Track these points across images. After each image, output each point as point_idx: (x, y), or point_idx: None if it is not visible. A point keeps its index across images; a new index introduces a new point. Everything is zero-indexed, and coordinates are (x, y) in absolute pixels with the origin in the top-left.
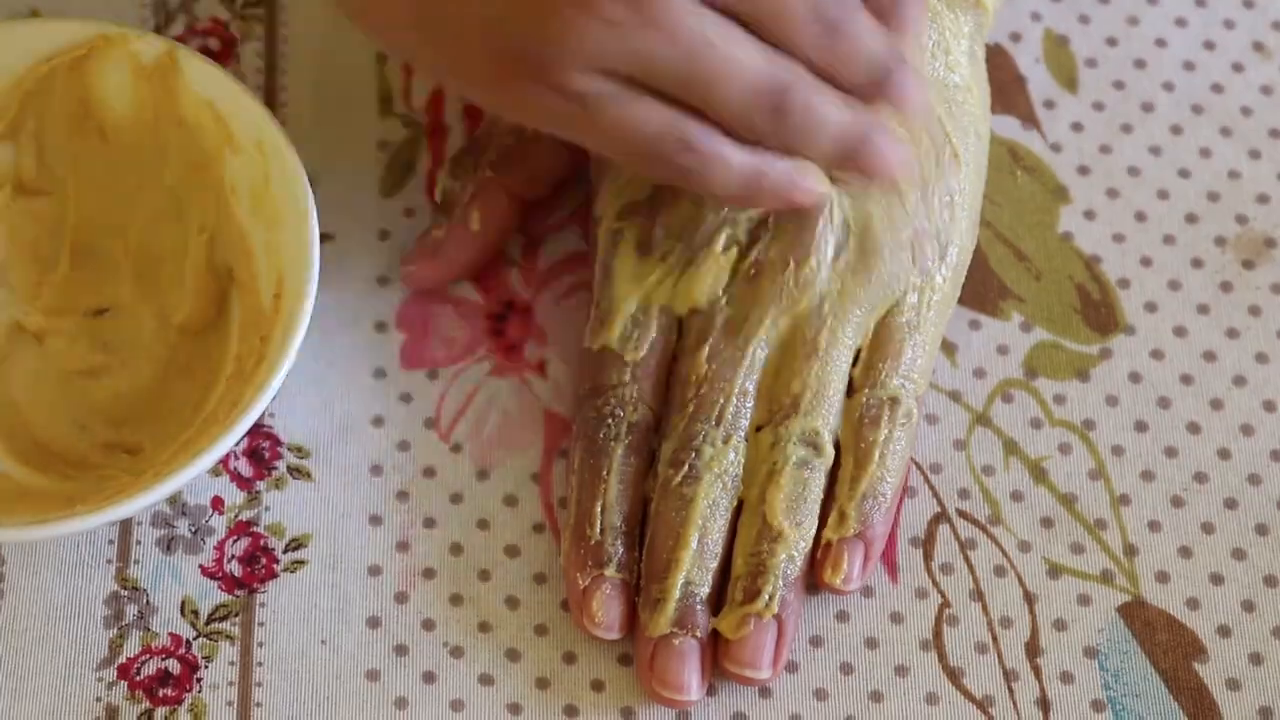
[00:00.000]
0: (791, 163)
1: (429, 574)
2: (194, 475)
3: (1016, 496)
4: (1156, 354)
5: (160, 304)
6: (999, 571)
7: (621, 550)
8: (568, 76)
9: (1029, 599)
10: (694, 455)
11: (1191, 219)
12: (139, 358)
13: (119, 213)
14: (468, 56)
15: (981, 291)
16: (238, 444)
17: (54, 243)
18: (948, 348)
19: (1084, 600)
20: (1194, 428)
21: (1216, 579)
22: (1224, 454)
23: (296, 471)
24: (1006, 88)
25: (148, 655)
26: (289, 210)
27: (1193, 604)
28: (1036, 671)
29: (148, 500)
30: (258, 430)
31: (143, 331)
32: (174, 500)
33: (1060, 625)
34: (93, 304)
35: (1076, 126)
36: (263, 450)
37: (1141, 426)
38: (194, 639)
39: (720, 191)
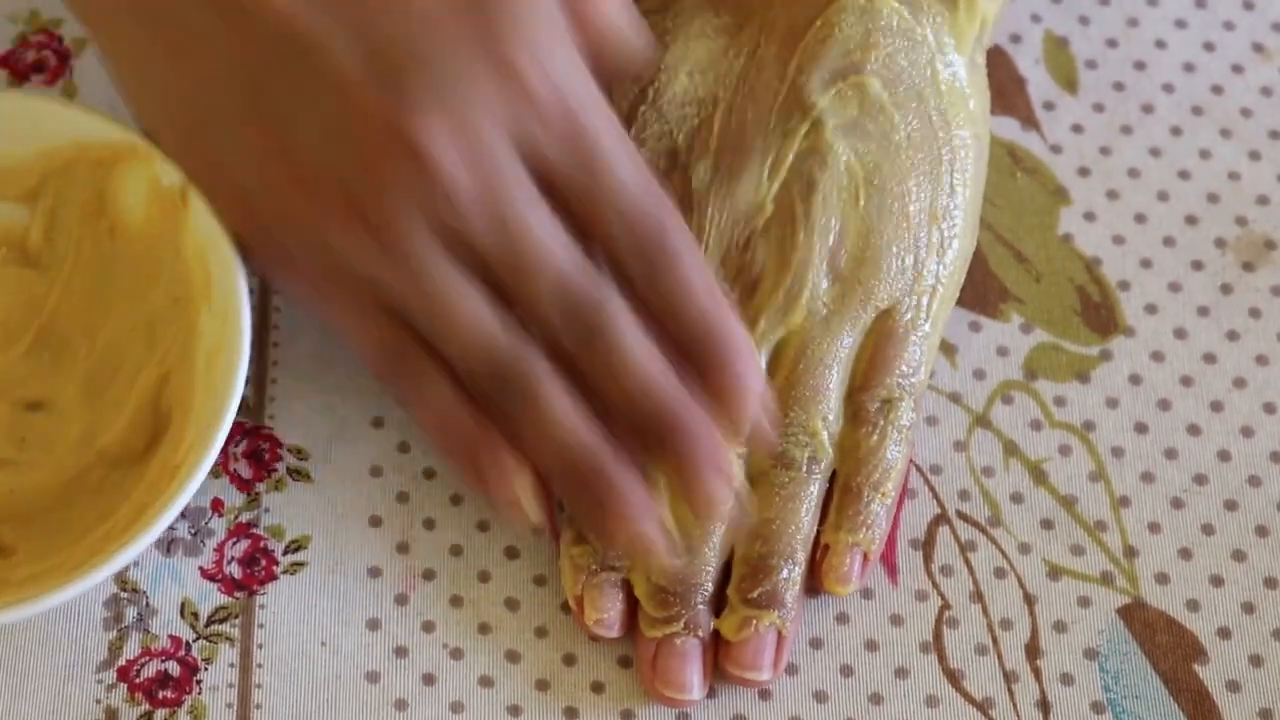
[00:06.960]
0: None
1: (429, 575)
2: (23, 616)
3: (1016, 498)
4: (1157, 356)
5: (94, 419)
6: (999, 573)
7: None
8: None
9: (1029, 600)
10: None
11: (1191, 221)
12: (49, 466)
13: (97, 313)
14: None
15: (981, 293)
16: (236, 445)
17: (25, 320)
18: (947, 349)
19: (1084, 602)
20: (1194, 429)
21: (1217, 581)
22: (1224, 456)
23: (296, 473)
24: (1006, 89)
25: (147, 657)
26: (215, 397)
27: (1193, 606)
28: (1037, 673)
29: None
30: (258, 432)
31: (65, 440)
32: None
33: (1060, 627)
34: (32, 395)
35: (1076, 128)
36: (262, 452)
37: (1141, 428)
38: (194, 641)
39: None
